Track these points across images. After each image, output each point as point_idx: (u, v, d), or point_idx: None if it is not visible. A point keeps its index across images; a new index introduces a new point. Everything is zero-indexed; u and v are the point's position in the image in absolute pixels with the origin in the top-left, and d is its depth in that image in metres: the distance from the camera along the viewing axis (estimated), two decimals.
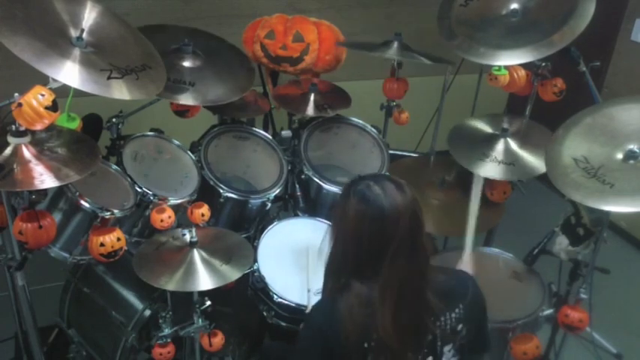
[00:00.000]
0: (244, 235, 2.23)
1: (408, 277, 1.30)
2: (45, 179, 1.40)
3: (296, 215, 2.37)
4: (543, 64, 2.16)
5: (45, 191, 1.58)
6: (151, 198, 1.93)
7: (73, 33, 1.61)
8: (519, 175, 2.17)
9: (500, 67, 2.17)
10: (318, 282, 1.77)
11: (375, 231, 1.29)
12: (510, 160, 2.16)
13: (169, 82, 1.90)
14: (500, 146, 2.19)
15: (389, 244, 1.28)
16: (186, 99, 2.05)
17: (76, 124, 1.84)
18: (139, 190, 1.91)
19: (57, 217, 1.71)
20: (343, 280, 1.35)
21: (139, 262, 1.75)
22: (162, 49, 2.02)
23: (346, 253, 1.35)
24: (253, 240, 2.17)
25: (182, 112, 2.16)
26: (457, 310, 1.37)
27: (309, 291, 1.89)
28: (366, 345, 1.30)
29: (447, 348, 1.38)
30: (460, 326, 1.38)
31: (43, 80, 1.45)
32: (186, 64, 2.16)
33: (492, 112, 2.37)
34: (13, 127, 1.43)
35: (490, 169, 2.13)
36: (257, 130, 2.43)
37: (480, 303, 1.44)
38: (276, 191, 2.27)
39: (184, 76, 2.10)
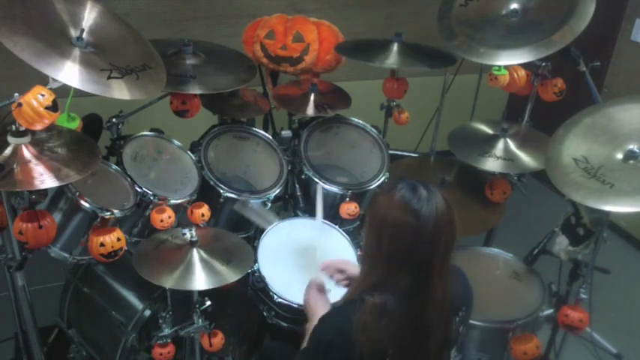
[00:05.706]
0: (244, 235, 2.23)
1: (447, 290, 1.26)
2: (45, 179, 1.40)
3: (296, 215, 2.37)
4: (543, 64, 2.17)
5: (45, 191, 1.58)
6: (151, 198, 1.93)
7: (73, 33, 1.61)
8: (518, 170, 2.19)
9: (500, 67, 2.17)
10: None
11: (417, 240, 1.21)
12: (509, 157, 2.18)
13: (170, 76, 1.91)
14: (500, 145, 2.23)
15: (434, 255, 1.22)
16: (189, 89, 2.05)
17: (76, 124, 1.84)
18: (139, 190, 1.91)
19: (57, 217, 1.71)
20: (363, 291, 1.28)
21: (139, 260, 1.75)
22: (163, 50, 2.03)
23: (378, 260, 1.28)
24: (253, 240, 2.17)
25: (182, 112, 2.15)
26: (460, 314, 1.38)
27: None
28: None
29: (452, 351, 1.39)
30: (461, 328, 1.39)
31: (43, 80, 1.45)
32: (188, 61, 2.17)
33: (492, 112, 2.38)
34: (13, 127, 1.43)
35: (490, 164, 2.16)
36: (257, 130, 2.43)
37: (471, 295, 1.44)
38: (276, 191, 2.26)
39: (186, 71, 2.12)
